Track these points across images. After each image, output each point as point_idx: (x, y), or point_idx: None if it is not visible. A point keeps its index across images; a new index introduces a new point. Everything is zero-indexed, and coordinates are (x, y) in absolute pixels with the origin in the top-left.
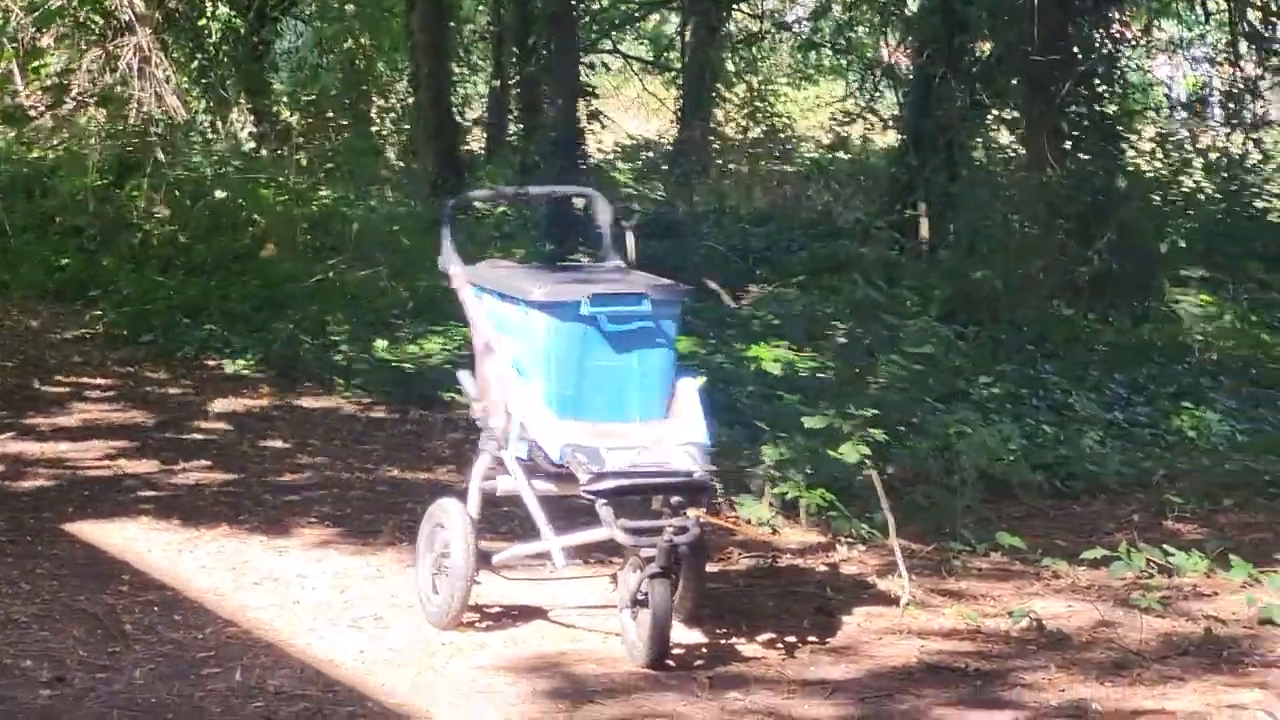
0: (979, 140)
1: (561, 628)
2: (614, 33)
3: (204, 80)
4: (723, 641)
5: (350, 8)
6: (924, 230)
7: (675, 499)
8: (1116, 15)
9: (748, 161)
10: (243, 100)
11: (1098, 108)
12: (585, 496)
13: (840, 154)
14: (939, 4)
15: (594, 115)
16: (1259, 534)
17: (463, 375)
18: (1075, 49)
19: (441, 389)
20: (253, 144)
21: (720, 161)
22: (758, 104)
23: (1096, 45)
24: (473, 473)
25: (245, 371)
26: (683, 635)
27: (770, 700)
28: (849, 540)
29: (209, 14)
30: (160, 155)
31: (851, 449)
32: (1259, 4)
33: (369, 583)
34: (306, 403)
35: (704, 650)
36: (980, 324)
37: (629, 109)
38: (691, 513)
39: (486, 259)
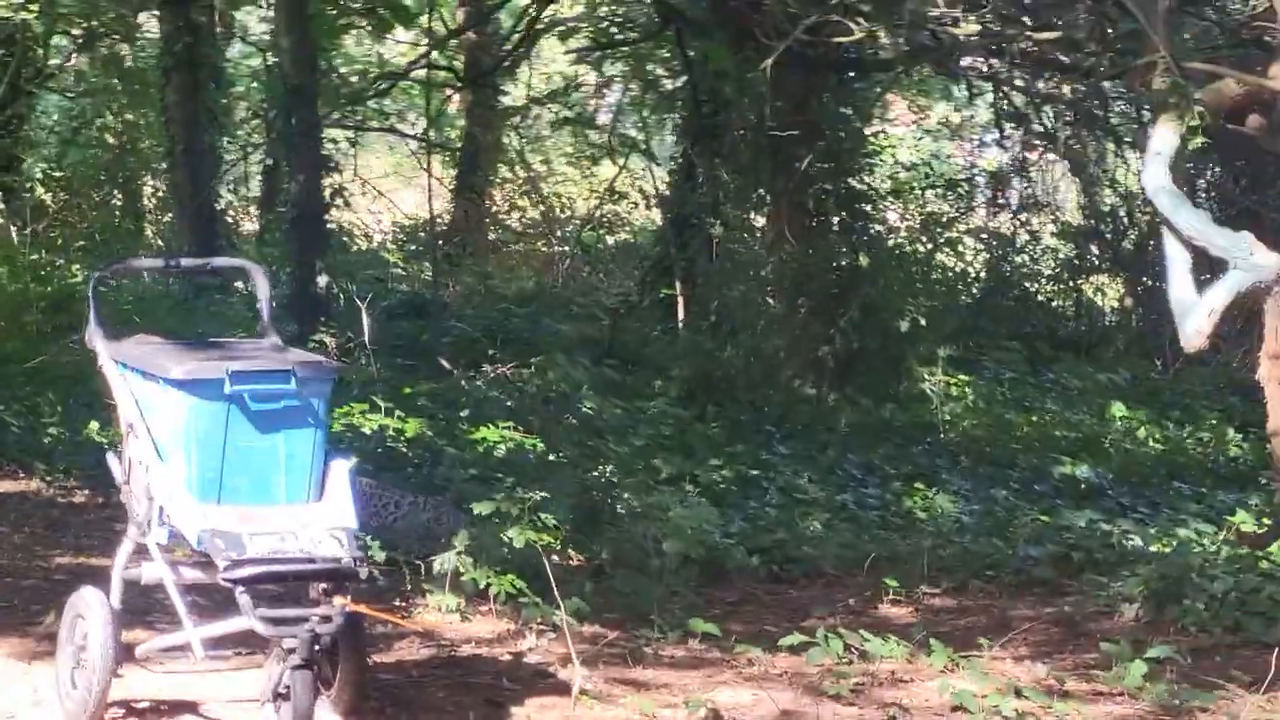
0: (738, 216)
1: None
2: (370, 104)
3: None
4: None
5: (115, 81)
6: (680, 310)
7: (323, 586)
8: (862, 89)
9: (522, 241)
10: None
11: (842, 185)
12: (223, 584)
13: (609, 235)
14: (691, 83)
15: (338, 192)
16: (971, 617)
17: (110, 458)
18: (820, 123)
19: None
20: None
21: (494, 238)
22: (531, 185)
23: (839, 121)
24: (115, 560)
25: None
26: None
27: None
28: (539, 628)
29: None
30: None
31: (519, 534)
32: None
33: (16, 680)
34: (3, 488)
35: None
36: (721, 404)
37: (409, 186)
38: (338, 601)
39: (135, 336)
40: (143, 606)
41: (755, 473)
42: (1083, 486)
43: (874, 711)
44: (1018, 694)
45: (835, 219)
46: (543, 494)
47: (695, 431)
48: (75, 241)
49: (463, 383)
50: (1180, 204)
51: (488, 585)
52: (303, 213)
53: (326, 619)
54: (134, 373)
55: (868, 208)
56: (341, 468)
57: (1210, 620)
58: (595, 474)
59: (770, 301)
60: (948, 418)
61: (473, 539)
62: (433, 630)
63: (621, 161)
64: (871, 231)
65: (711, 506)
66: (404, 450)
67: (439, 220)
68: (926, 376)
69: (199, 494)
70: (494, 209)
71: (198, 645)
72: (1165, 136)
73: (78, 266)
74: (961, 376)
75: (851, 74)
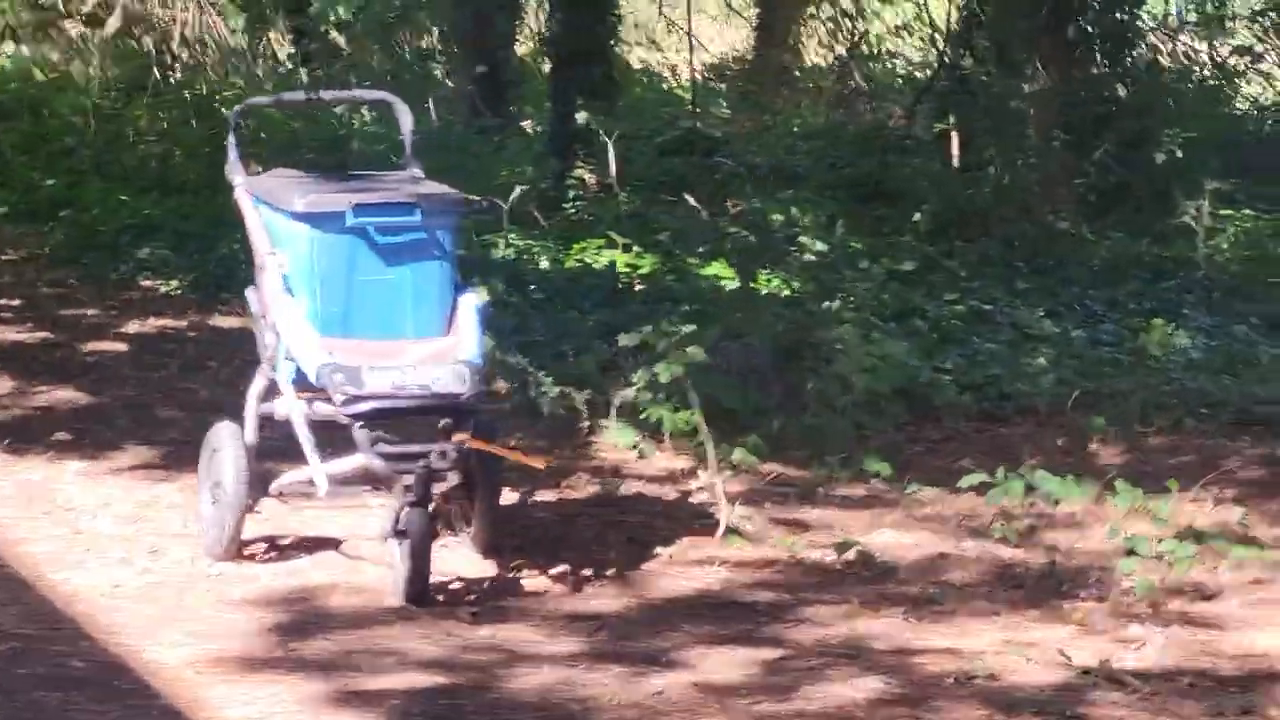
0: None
1: (346, 559)
2: None
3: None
4: (511, 575)
5: None
6: (955, 146)
7: (443, 422)
8: None
9: (817, 78)
10: (281, 19)
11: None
12: (341, 419)
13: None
14: None
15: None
16: (1181, 457)
17: (249, 292)
18: None
19: None
20: (290, 66)
21: (796, 74)
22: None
23: None
24: (248, 395)
25: (178, 292)
26: (473, 567)
27: (523, 635)
28: (719, 467)
29: None
30: (157, 75)
31: (666, 369)
32: None
33: (170, 511)
34: (225, 324)
35: (486, 584)
36: (971, 240)
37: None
38: (457, 437)
39: (274, 169)
40: (291, 443)
41: (989, 308)
42: None
43: (1038, 555)
44: (1197, 539)
45: (1098, 50)
46: (692, 326)
47: (939, 266)
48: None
49: (705, 219)
50: None
51: (659, 421)
52: (562, 48)
53: (442, 454)
54: (265, 206)
55: (1132, 37)
56: (470, 301)
57: None
58: (814, 309)
59: (1029, 134)
60: (1208, 252)
61: (655, 376)
62: (541, 465)
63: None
64: (1135, 62)
65: (927, 340)
66: (636, 286)
67: (738, 56)
68: (1193, 211)
69: (323, 328)
70: (796, 43)
71: (321, 481)
72: None
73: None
74: (1236, 211)
75: None
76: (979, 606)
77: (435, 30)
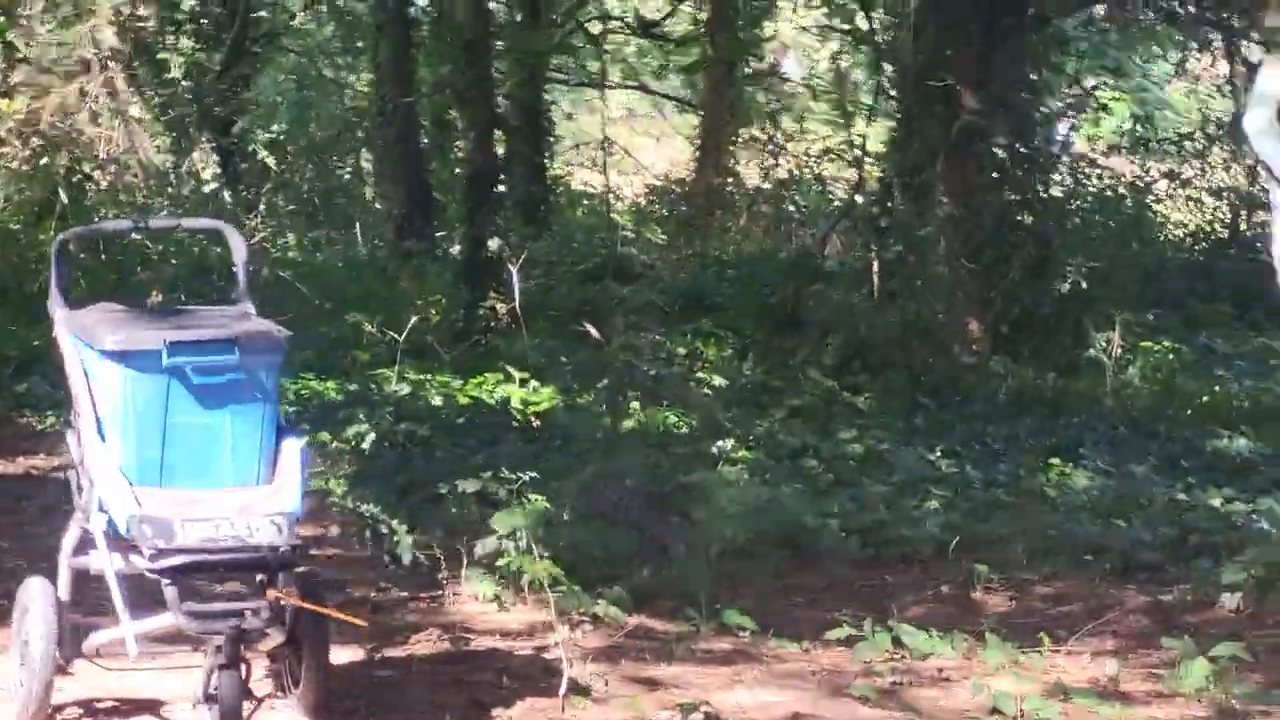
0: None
1: None
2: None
3: (165, 118)
4: None
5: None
6: (874, 276)
7: (260, 578)
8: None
9: (756, 203)
10: (205, 140)
11: (1017, 144)
12: (150, 575)
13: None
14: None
15: (511, 152)
16: (1065, 606)
17: (69, 435)
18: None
19: None
20: (214, 185)
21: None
22: (777, 146)
23: (1014, 75)
24: (62, 547)
25: (55, 429)
26: None
27: None
28: (579, 619)
29: (173, 44)
30: (64, 198)
31: (504, 519)
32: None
33: None
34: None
35: None
36: (876, 373)
37: (656, 145)
38: (272, 594)
39: (99, 304)
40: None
41: (885, 447)
42: (1238, 462)
43: (899, 715)
44: (1065, 696)
45: (1000, 175)
46: (533, 474)
47: (841, 402)
48: (289, 207)
49: (608, 351)
50: None
51: (520, 572)
52: (475, 173)
53: (254, 613)
54: (82, 343)
55: (1043, 162)
56: (294, 446)
57: None
58: (701, 448)
59: (939, 265)
60: (1117, 386)
61: (517, 523)
62: (363, 622)
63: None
64: (1043, 190)
65: (820, 481)
66: (526, 423)
67: (679, 178)
68: (1103, 343)
69: (137, 476)
70: (733, 165)
71: (131, 641)
72: (1275, 78)
73: (292, 236)
74: (1156, 343)
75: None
76: None
77: (363, 151)
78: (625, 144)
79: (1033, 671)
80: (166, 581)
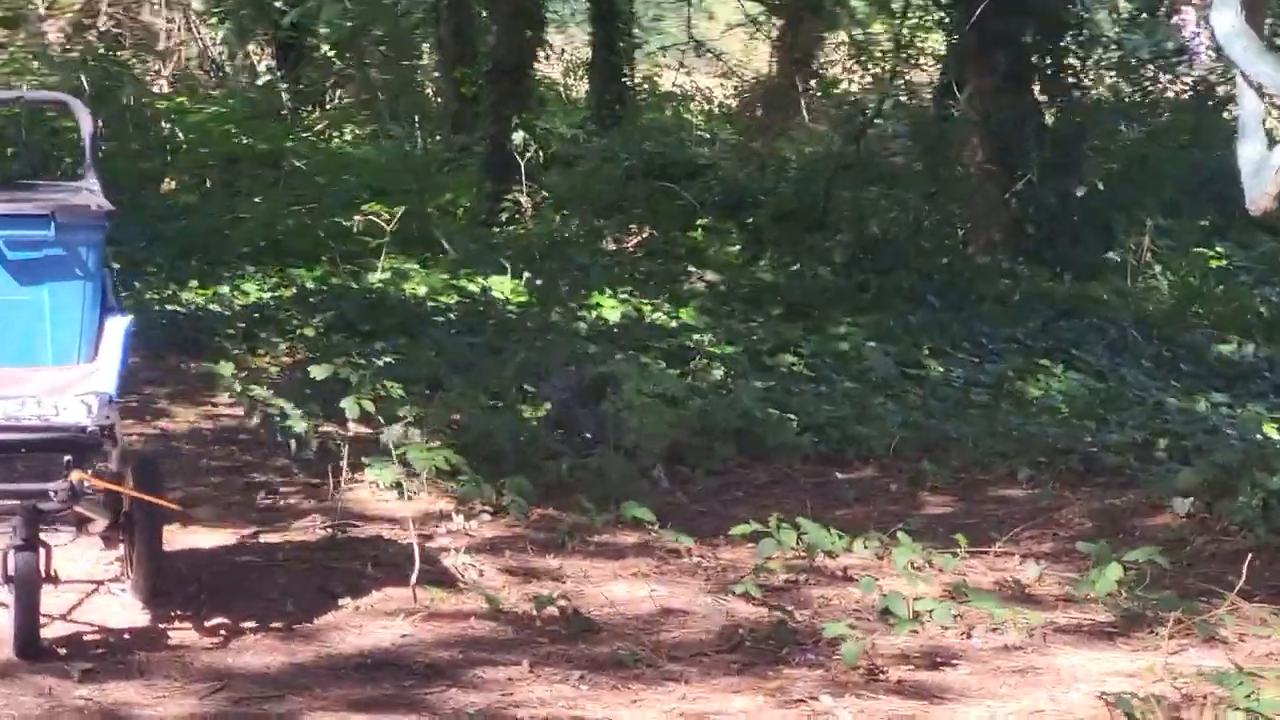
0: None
1: None
2: None
3: (219, 8)
4: (163, 626)
5: None
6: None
7: (66, 458)
8: None
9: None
10: (261, 32)
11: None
12: None
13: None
14: None
15: (538, 42)
16: (1011, 508)
17: None
18: None
19: (207, 337)
20: (269, 76)
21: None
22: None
23: None
24: None
25: None
26: (125, 617)
27: (127, 695)
28: (477, 510)
29: None
30: (85, 84)
31: (353, 404)
32: None
33: None
34: None
35: (127, 635)
36: (886, 272)
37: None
38: (75, 475)
39: None
40: None
41: (871, 344)
42: (1241, 368)
43: (772, 615)
44: (960, 598)
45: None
46: (391, 358)
47: (843, 301)
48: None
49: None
50: (1257, 51)
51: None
52: (499, 65)
53: (50, 494)
54: None
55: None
56: (118, 325)
57: (1258, 520)
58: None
59: (963, 165)
60: (1138, 292)
61: (425, 411)
62: (174, 507)
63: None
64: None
65: (792, 378)
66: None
67: (757, 82)
68: (1131, 247)
69: None
70: (816, 68)
71: None
72: None
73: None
74: (1209, 249)
75: None
76: (670, 670)
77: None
78: (715, 46)
79: (942, 573)
80: None
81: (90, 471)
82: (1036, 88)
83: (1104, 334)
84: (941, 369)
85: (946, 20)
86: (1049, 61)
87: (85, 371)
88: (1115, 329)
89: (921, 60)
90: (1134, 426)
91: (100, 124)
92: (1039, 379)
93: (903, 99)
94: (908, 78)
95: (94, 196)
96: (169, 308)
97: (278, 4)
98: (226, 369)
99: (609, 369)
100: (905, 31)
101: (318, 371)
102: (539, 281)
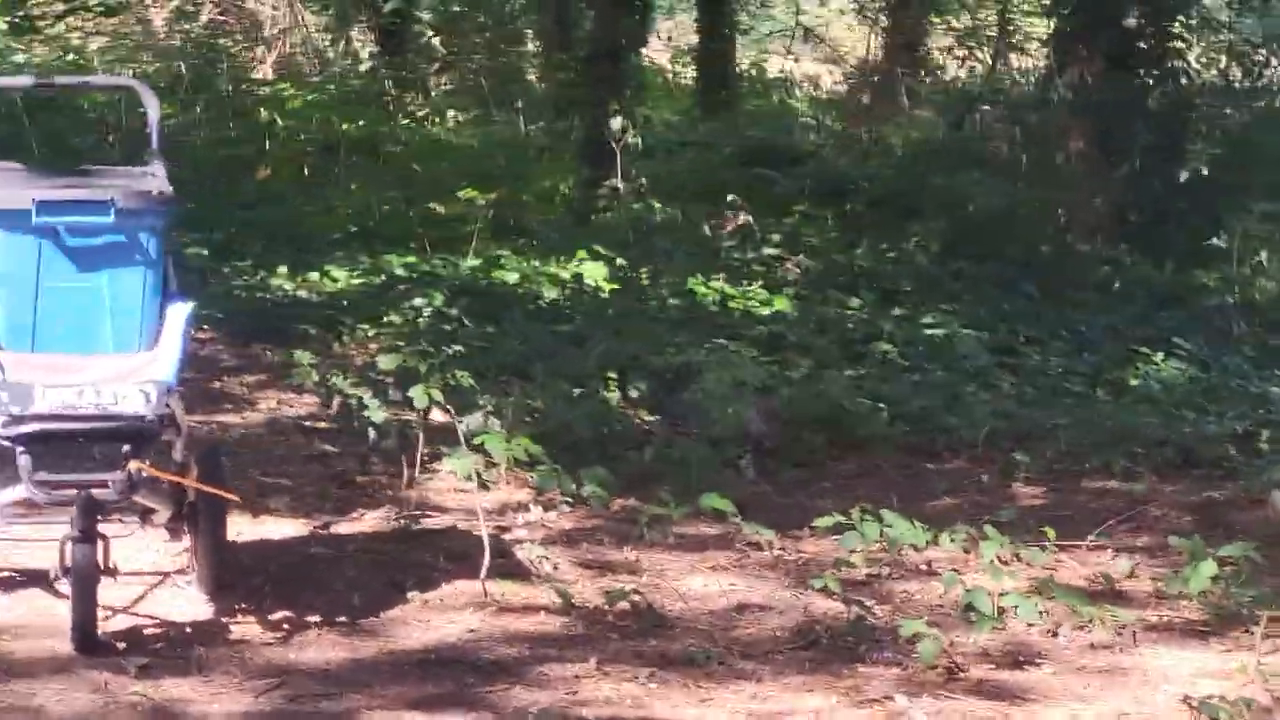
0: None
1: (47, 597)
2: None
3: None
4: (225, 620)
5: None
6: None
7: (125, 448)
8: None
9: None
10: (362, 18)
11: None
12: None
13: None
14: None
15: (637, 27)
16: (1106, 500)
17: None
18: None
19: (293, 324)
20: (371, 63)
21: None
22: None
23: None
24: None
25: None
26: (190, 610)
27: (183, 693)
28: (556, 501)
29: None
30: (183, 70)
31: (421, 393)
32: None
33: None
34: None
35: (189, 629)
36: (982, 258)
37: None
38: (134, 465)
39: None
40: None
41: (967, 332)
42: None
43: (856, 609)
44: (1047, 594)
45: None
46: (469, 345)
47: (939, 287)
48: (447, 86)
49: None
50: None
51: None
52: (596, 51)
53: (103, 484)
54: None
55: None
56: (180, 312)
57: None
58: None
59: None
60: (1244, 280)
61: (507, 400)
62: (233, 498)
63: None
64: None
65: (885, 368)
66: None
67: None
68: (1236, 232)
69: (8, 341)
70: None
71: None
72: None
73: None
74: None
75: None
76: (743, 669)
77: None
78: (825, 33)
79: (1031, 568)
80: (20, 449)
81: (148, 461)
82: (1141, 71)
83: (1207, 322)
84: (1037, 357)
85: (1049, 2)
86: (1154, 44)
87: (145, 360)
88: (1219, 317)
89: (1026, 45)
90: (1235, 418)
91: (199, 110)
92: (1138, 368)
93: (1004, 84)
94: (1013, 63)
95: (157, 181)
96: (257, 295)
97: None
98: (304, 357)
99: (688, 358)
100: (1009, 15)
101: (386, 361)
102: (626, 268)
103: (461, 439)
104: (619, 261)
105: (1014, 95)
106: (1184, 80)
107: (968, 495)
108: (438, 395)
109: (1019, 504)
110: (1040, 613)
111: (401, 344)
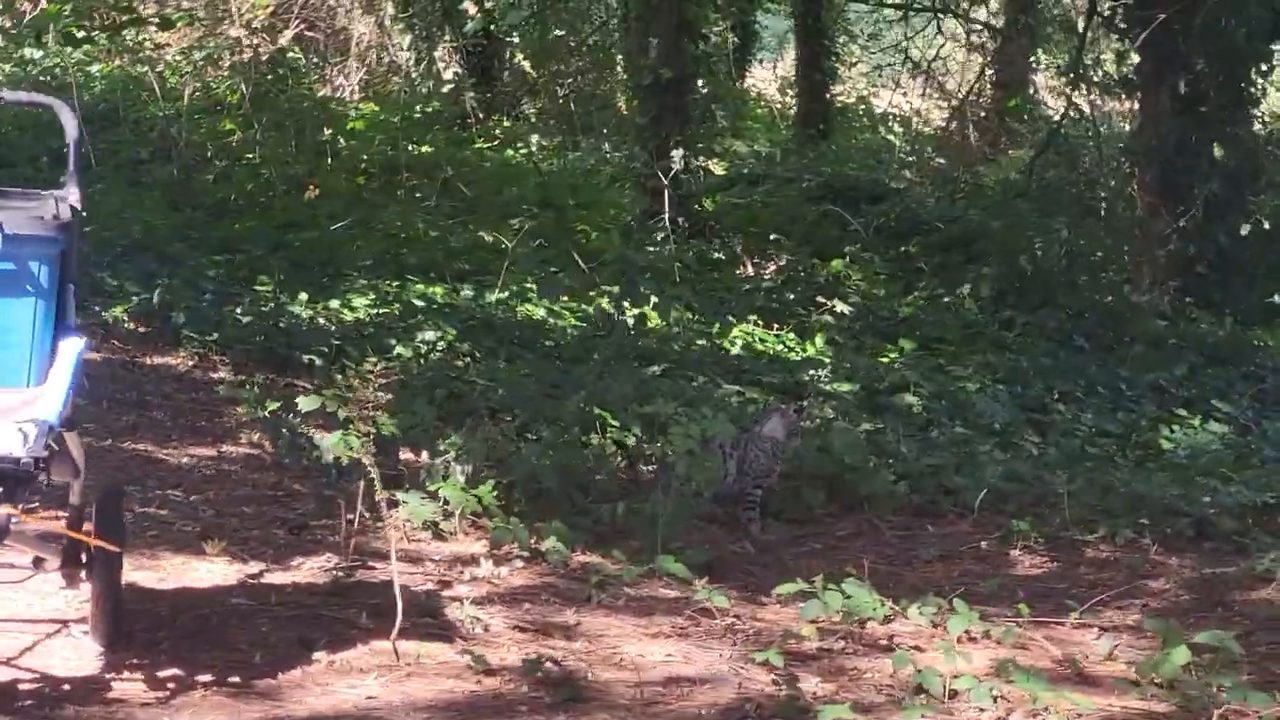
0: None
1: None
2: None
3: (406, 14)
4: (110, 675)
5: None
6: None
7: None
8: None
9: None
10: (447, 39)
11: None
12: None
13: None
14: None
15: (702, 57)
16: (1106, 573)
17: None
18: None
19: (302, 351)
20: (452, 85)
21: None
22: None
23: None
24: None
25: (120, 319)
26: (78, 662)
27: None
28: (510, 555)
29: None
30: (245, 88)
31: (340, 440)
32: None
33: None
34: (149, 360)
35: (66, 686)
36: (1033, 310)
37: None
38: (4, 509)
39: None
40: None
41: (1001, 387)
42: None
43: (799, 684)
44: (1005, 676)
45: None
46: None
47: (985, 337)
48: (531, 109)
49: (751, 272)
50: None
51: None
52: (654, 82)
53: None
54: None
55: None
56: (72, 347)
57: None
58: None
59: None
60: None
61: (466, 445)
62: (114, 549)
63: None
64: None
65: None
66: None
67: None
68: None
69: None
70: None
71: None
72: None
73: (535, 140)
74: None
75: None
76: None
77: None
78: (939, 67)
79: (1000, 646)
80: None
81: (21, 507)
82: (1208, 116)
83: (1258, 383)
84: (1069, 415)
85: (1122, 44)
86: (1223, 89)
87: (28, 396)
88: (1271, 377)
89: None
90: (1260, 488)
91: (256, 128)
92: (1172, 430)
93: (1081, 125)
94: (1093, 103)
95: (62, 206)
96: (270, 321)
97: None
98: (248, 394)
99: (655, 409)
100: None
101: (305, 403)
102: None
103: (421, 484)
104: (653, 300)
105: (1081, 137)
106: (1255, 127)
107: (961, 562)
108: (355, 443)
109: (1013, 573)
110: (995, 697)
111: (409, 376)
